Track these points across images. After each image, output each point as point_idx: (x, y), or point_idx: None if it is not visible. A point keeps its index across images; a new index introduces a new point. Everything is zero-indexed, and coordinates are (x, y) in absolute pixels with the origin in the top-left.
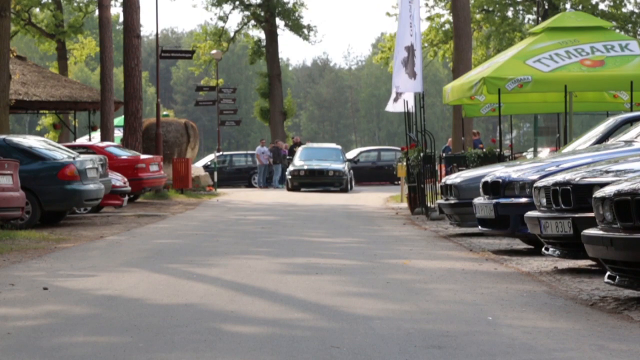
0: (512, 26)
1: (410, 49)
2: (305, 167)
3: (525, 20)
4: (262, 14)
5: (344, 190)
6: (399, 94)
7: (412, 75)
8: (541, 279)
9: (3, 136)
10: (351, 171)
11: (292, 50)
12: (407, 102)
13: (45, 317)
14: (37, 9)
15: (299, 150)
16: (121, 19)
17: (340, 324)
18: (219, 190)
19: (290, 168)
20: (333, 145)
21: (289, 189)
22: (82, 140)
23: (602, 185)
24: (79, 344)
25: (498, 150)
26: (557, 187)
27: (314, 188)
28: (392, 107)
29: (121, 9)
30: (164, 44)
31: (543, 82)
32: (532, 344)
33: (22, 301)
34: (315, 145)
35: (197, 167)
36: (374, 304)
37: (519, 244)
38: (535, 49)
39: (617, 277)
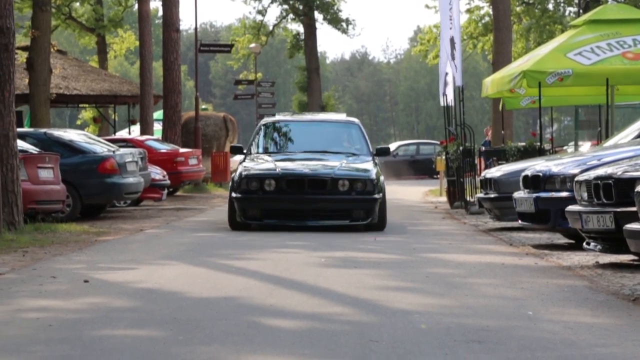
0: (553, 19)
1: (451, 42)
2: (280, 172)
3: (566, 13)
4: (301, 7)
5: (378, 226)
6: (446, 87)
7: (455, 68)
8: (582, 274)
9: (44, 130)
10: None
11: (330, 43)
12: (446, 95)
13: (86, 310)
14: (78, 4)
15: (261, 129)
16: (160, 13)
17: (379, 318)
18: None
19: (242, 172)
20: (342, 116)
21: (232, 225)
22: (122, 134)
23: None
24: (120, 337)
25: (538, 143)
26: (599, 181)
27: (299, 223)
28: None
29: (160, 3)
30: (203, 38)
31: (584, 76)
32: (573, 340)
33: (63, 293)
34: (300, 117)
35: (236, 161)
36: (413, 298)
37: (559, 239)
38: (577, 41)
39: None
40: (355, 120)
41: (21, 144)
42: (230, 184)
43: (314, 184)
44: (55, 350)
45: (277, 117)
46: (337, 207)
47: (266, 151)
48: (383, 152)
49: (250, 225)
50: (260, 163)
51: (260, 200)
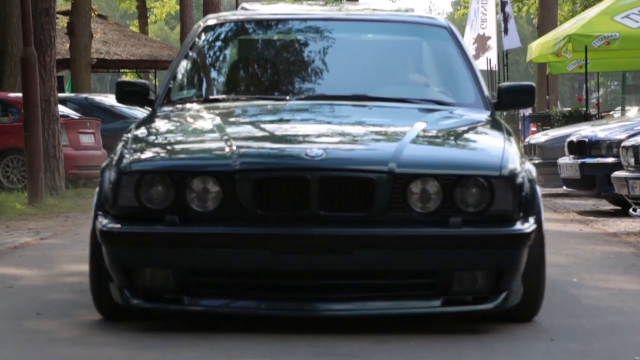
0: None
1: (502, 3)
2: (237, 152)
3: None
4: None
5: (521, 312)
6: (479, 49)
7: (505, 30)
8: (628, 241)
9: (85, 95)
10: (526, 165)
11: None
12: (490, 60)
13: None
14: None
15: (200, 41)
16: None
17: None
18: None
19: (125, 158)
20: (409, 7)
21: (101, 306)
22: None
23: None
24: None
25: (584, 109)
26: None
27: (291, 309)
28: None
29: None
30: (244, 1)
31: (631, 39)
32: (619, 306)
33: None
34: (305, 9)
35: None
36: None
37: (605, 205)
38: (624, 4)
39: None
40: (442, 20)
41: (62, 109)
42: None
43: (335, 192)
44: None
45: (249, 9)
46: (404, 263)
47: (207, 97)
48: (517, 97)
49: (148, 312)
50: (185, 131)
51: (178, 241)
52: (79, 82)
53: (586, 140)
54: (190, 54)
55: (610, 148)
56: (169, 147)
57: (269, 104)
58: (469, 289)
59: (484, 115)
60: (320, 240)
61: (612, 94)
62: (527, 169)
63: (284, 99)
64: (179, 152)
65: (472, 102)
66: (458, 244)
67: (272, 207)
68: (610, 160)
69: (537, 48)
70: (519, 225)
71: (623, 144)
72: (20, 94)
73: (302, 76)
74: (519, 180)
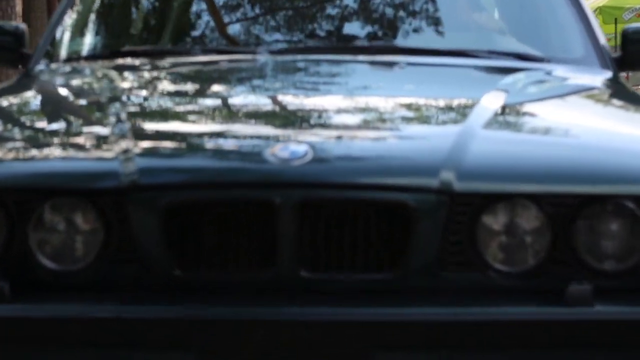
0: None
1: None
2: (131, 155)
3: None
4: None
5: None
6: None
7: None
8: None
9: None
10: None
11: None
12: None
13: None
14: None
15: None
16: None
17: None
18: None
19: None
20: None
21: None
22: None
23: None
24: None
25: None
26: None
27: None
28: None
29: None
30: None
31: None
32: None
33: None
34: None
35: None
36: None
37: None
38: None
39: None
40: None
41: None
42: None
43: (330, 233)
44: None
45: None
46: None
47: (117, 50)
48: None
49: None
50: (54, 111)
51: (10, 330)
52: None
53: None
54: None
55: None
56: (8, 143)
57: (222, 60)
58: None
59: (602, 78)
60: (302, 334)
61: None
62: None
63: (250, 52)
64: (24, 151)
65: (579, 56)
66: (585, 337)
67: (202, 264)
68: None
69: None
70: None
71: None
72: None
73: (283, 15)
74: None
